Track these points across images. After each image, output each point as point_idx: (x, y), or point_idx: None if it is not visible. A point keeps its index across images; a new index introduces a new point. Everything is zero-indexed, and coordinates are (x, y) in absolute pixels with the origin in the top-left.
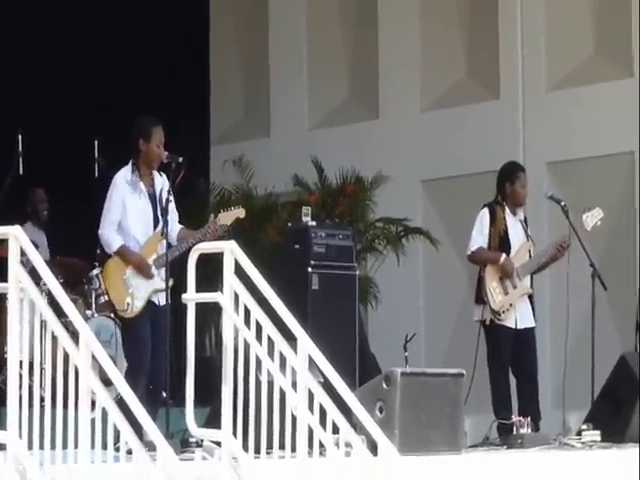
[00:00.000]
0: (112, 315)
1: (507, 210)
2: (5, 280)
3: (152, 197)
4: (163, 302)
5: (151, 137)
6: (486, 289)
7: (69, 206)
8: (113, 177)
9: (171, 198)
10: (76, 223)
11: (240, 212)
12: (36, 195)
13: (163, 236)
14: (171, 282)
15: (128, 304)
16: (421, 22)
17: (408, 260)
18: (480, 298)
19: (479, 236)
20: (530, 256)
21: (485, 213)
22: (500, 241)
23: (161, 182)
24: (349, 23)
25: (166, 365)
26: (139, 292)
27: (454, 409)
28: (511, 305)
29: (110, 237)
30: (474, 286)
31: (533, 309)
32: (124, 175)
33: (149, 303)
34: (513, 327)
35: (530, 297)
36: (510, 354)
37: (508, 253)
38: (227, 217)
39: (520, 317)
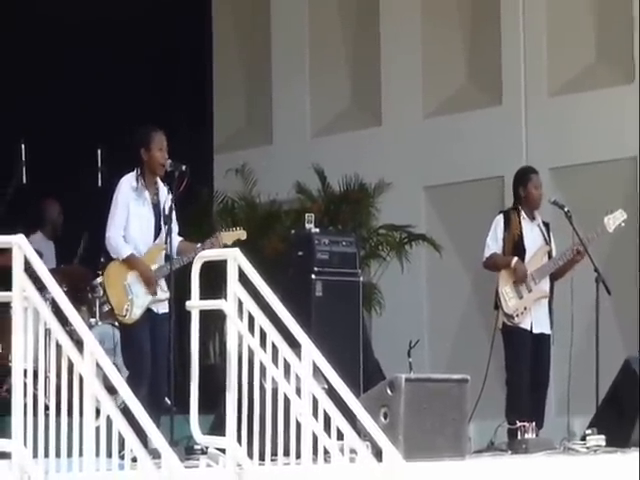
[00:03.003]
0: (116, 323)
1: (523, 215)
2: (10, 289)
3: (156, 207)
4: (162, 310)
5: (151, 144)
6: (499, 294)
7: (72, 215)
8: (118, 182)
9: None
10: (79, 232)
11: (242, 234)
12: (53, 208)
13: (165, 247)
14: (167, 294)
15: (127, 310)
16: (423, 29)
17: (411, 266)
18: (496, 304)
19: (493, 243)
20: (550, 259)
21: (499, 219)
22: (514, 246)
23: (165, 194)
24: (351, 31)
25: (169, 372)
26: (138, 300)
27: (458, 415)
28: (526, 309)
29: (119, 244)
30: (477, 292)
31: (551, 316)
32: (130, 180)
33: (148, 310)
34: (529, 329)
35: (550, 304)
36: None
37: (523, 258)
38: (228, 237)
39: (535, 322)
